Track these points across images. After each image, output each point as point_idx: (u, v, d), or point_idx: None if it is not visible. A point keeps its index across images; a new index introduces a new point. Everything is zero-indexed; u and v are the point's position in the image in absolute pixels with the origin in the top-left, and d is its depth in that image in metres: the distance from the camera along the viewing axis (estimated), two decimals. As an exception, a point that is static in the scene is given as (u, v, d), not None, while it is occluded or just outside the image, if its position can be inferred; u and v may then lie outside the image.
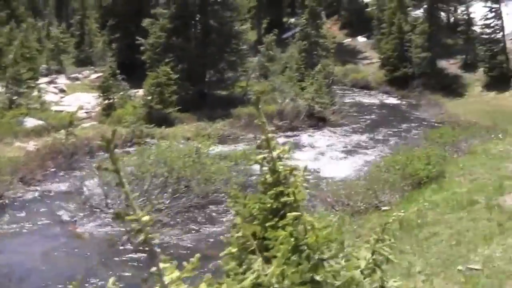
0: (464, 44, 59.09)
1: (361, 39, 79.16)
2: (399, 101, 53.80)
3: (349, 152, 35.06)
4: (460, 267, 15.06)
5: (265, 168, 6.75)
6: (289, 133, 39.94)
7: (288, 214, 6.16)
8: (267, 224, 6.42)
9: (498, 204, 19.15)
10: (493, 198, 19.94)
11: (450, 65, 58.60)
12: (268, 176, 6.78)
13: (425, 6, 59.25)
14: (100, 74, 50.25)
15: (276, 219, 6.44)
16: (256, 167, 6.91)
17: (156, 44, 46.43)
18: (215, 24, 47.87)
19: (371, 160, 31.94)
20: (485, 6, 53.56)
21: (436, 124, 42.17)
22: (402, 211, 19.74)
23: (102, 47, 63.12)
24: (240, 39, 48.21)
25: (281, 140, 37.14)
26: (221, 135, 38.10)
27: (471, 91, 52.32)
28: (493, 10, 52.71)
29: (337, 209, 21.67)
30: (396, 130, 41.17)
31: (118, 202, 23.58)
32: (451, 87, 53.38)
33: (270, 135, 6.63)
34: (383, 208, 21.19)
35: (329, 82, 46.66)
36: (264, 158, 6.79)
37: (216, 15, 47.70)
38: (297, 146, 36.66)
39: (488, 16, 53.09)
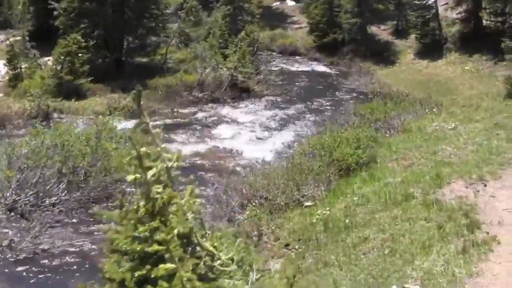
0: (395, 9, 56.85)
1: (290, 2, 76.42)
2: (328, 69, 51.28)
3: (273, 128, 32.41)
4: (394, 287, 12.68)
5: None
6: (209, 106, 37.04)
7: (161, 266, 4.91)
8: (136, 274, 5.00)
9: (436, 199, 16.85)
10: (431, 190, 17.60)
11: (381, 31, 56.48)
12: (141, 204, 5.15)
13: (355, -31, 56.70)
14: (18, 38, 46.09)
15: (149, 267, 5.00)
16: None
17: (69, 9, 42.59)
18: (132, -12, 44.40)
19: (295, 138, 29.37)
20: (416, -30, 51.49)
21: (367, 95, 39.80)
22: (327, 208, 17.35)
23: (22, 10, 58.89)
24: (159, 3, 44.77)
25: (201, 114, 34.48)
26: (135, 109, 34.90)
27: (403, 58, 50.22)
28: (425, -26, 50.75)
29: (253, 204, 18.94)
30: (324, 102, 38.56)
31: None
32: (383, 54, 51.22)
33: (144, 148, 5.12)
34: (306, 203, 18.54)
35: (254, 49, 43.83)
36: (136, 179, 5.13)
37: (133, -23, 44.25)
38: (218, 120, 33.87)
39: (419, -19, 51.12)
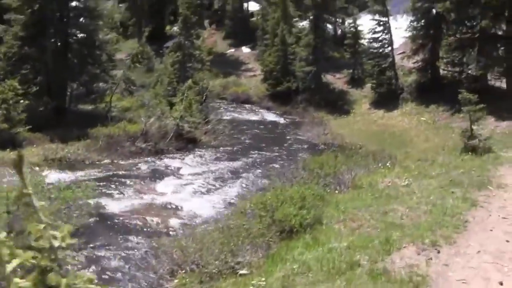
0: (351, 58, 55.90)
1: (245, 49, 75.59)
2: (281, 118, 49.91)
3: (217, 182, 30.39)
4: None
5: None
6: (152, 157, 35.07)
7: None
8: None
9: (384, 268, 14.98)
10: (379, 258, 15.76)
11: (336, 80, 55.40)
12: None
13: (310, 17, 55.57)
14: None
15: None
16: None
17: (9, 54, 40.57)
18: (76, 33, 42.59)
19: (239, 194, 27.54)
20: (373, 19, 50.58)
21: (319, 147, 38.33)
22: (263, 278, 15.47)
23: (-39, 54, 56.73)
24: (104, 50, 42.98)
25: (142, 167, 32.52)
26: (73, 160, 32.90)
27: (358, 108, 49.01)
28: (382, 23, 49.82)
29: (184, 271, 16.96)
30: (274, 154, 36.88)
31: None
32: (337, 104, 50.05)
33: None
34: (241, 271, 16.56)
35: (202, 97, 42.13)
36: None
37: (77, 23, 42.43)
38: (160, 173, 31.89)
39: (376, 30, 50.19)
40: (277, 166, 32.77)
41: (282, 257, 17.03)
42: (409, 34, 48.43)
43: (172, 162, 34.38)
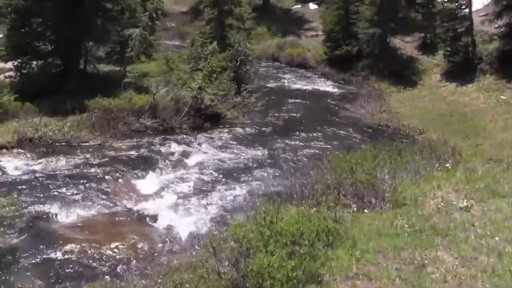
0: (423, 19, 48.11)
1: (312, 6, 68.60)
2: (335, 88, 43.10)
3: (221, 181, 23.17)
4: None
5: None
6: (157, 138, 28.44)
7: None
8: None
9: None
10: None
11: (405, 44, 47.89)
12: None
13: (378, -29, 48.10)
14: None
15: None
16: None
17: (4, 6, 33.91)
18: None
19: (235, 206, 20.60)
20: (449, -25, 42.78)
21: (367, 129, 31.41)
22: None
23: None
24: (116, 2, 35.89)
25: (136, 152, 26.06)
26: (54, 140, 26.59)
27: (428, 79, 41.87)
28: (459, -21, 42.00)
29: None
30: (308, 141, 29.45)
31: None
32: (403, 73, 43.10)
33: None
34: None
35: (236, 63, 35.19)
36: None
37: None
38: (154, 162, 25.20)
39: (453, -12, 42.41)
40: (305, 159, 25.64)
41: None
42: (492, -7, 40.62)
43: (177, 145, 27.52)
